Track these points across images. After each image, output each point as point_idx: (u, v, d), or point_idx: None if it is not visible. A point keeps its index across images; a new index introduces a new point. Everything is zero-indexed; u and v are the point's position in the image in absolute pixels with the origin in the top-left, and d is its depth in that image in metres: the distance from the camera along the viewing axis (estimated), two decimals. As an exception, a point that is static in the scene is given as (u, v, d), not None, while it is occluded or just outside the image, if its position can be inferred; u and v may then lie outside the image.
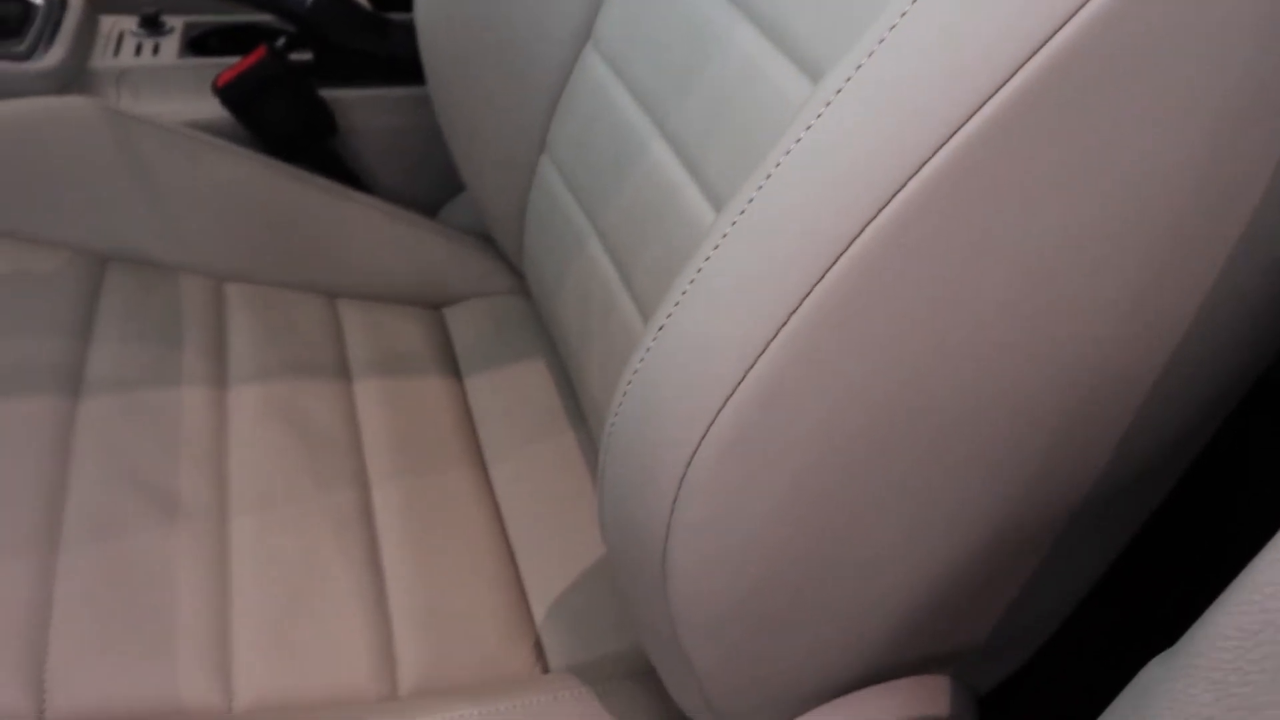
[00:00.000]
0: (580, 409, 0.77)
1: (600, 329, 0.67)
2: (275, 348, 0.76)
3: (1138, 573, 0.66)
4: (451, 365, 0.81)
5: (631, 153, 0.63)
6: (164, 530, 0.61)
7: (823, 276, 0.35)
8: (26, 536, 0.58)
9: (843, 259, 0.35)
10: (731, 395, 0.37)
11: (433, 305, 0.86)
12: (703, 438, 0.38)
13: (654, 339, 0.40)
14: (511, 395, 0.78)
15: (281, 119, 0.86)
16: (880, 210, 0.34)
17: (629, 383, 0.41)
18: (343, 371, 0.76)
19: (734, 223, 0.37)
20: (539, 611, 0.65)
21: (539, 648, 0.63)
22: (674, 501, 0.40)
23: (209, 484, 0.64)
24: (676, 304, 0.39)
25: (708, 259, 0.38)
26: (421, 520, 0.67)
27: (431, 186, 0.94)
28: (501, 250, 0.87)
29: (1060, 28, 0.32)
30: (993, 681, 0.60)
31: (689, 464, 0.39)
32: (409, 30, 0.81)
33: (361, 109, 0.90)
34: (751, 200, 0.37)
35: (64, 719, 0.52)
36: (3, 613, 0.54)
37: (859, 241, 0.35)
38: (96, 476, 0.62)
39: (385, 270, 0.85)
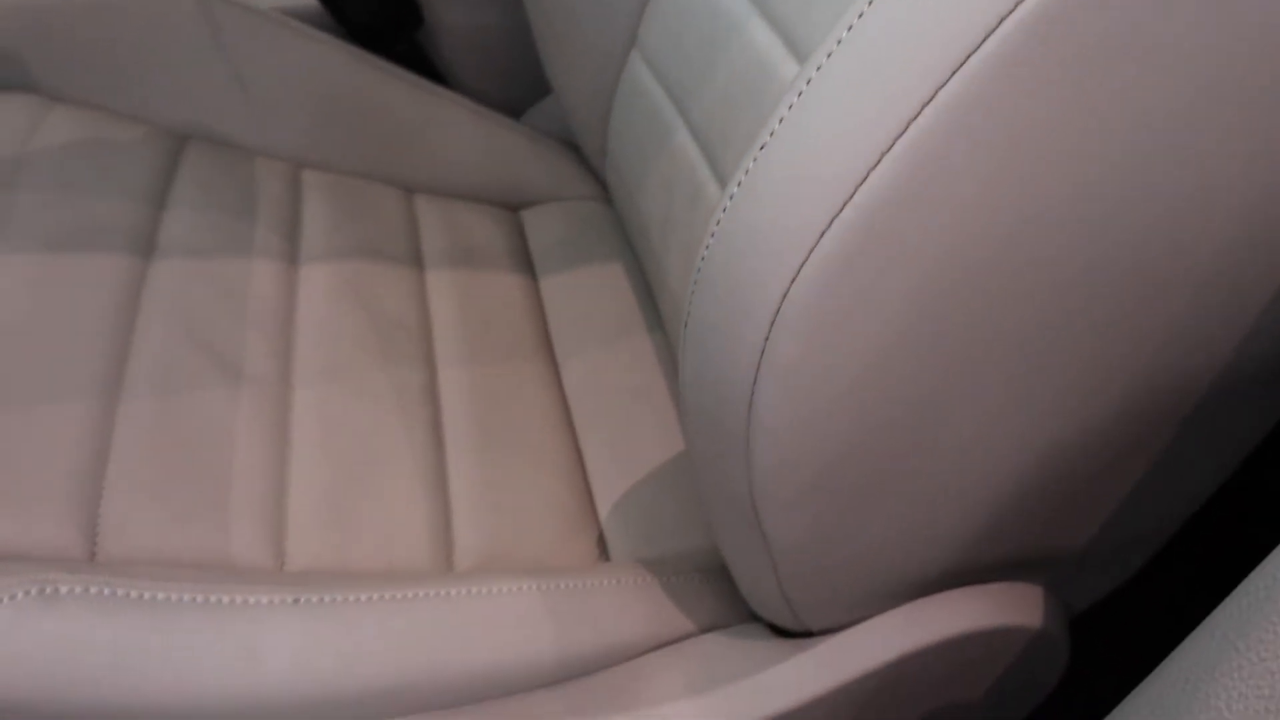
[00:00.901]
0: (658, 313, 0.74)
1: (685, 218, 0.64)
2: (348, 232, 0.74)
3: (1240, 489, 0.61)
4: (526, 265, 0.78)
5: (726, 35, 0.60)
6: (226, 392, 0.59)
7: (956, 71, 0.32)
8: (88, 382, 0.56)
9: (985, 46, 0.31)
10: (839, 212, 0.34)
11: (510, 207, 0.84)
12: (804, 262, 0.35)
13: (754, 160, 0.37)
14: (586, 297, 0.76)
15: (368, 8, 0.84)
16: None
17: (721, 214, 0.38)
18: (415, 260, 0.74)
19: (859, 18, 0.34)
20: (603, 507, 0.62)
21: (602, 542, 0.60)
22: (765, 342, 0.37)
23: (274, 353, 0.63)
24: (787, 111, 0.36)
25: (819, 69, 0.35)
26: (488, 407, 0.65)
27: (516, 89, 0.92)
28: (584, 156, 0.84)
29: None
30: (1088, 599, 0.56)
31: (785, 295, 0.36)
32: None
33: (449, 3, 0.88)
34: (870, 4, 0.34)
35: (114, 562, 0.50)
36: (60, 453, 0.53)
37: (1005, 26, 0.31)
38: (162, 334, 0.61)
39: (465, 168, 0.83)
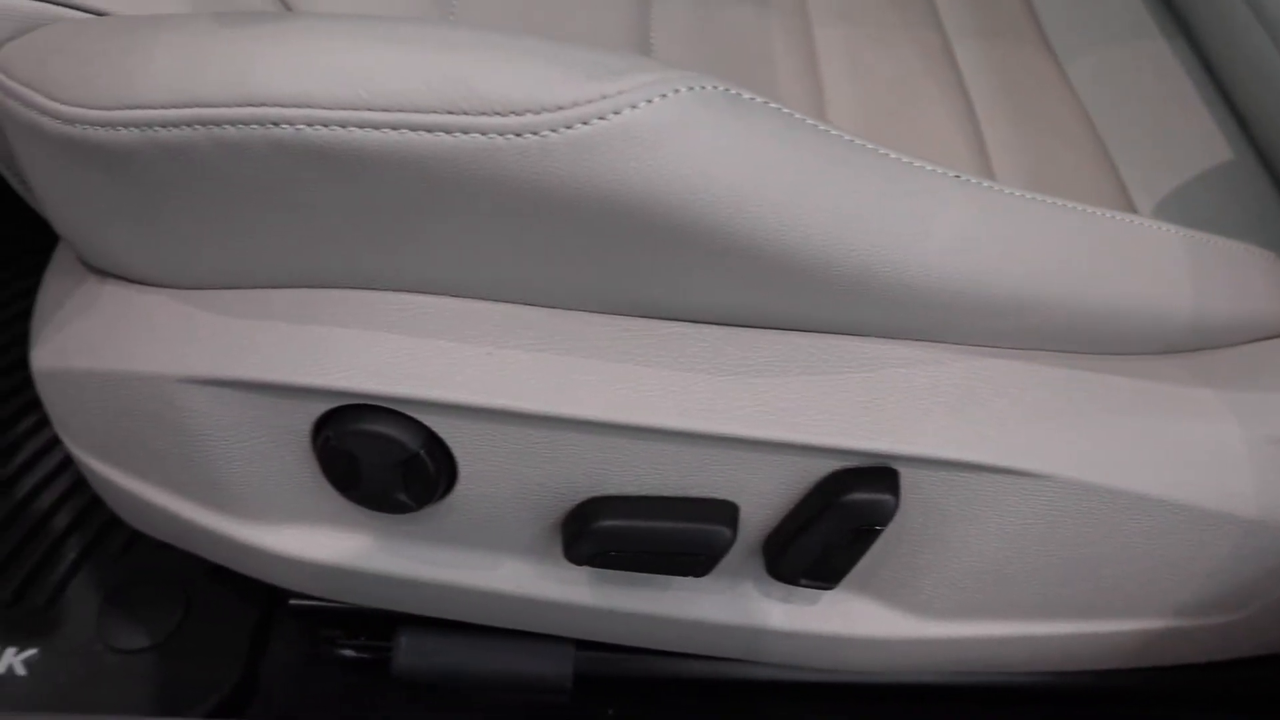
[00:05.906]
0: (1175, 20, 0.64)
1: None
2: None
3: None
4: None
5: None
6: (755, 13, 0.53)
7: None
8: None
9: None
10: None
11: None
12: None
13: None
14: (1084, 7, 0.66)
15: None
16: None
17: None
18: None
19: None
20: (1143, 204, 0.54)
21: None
22: None
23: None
24: None
25: None
26: (1008, 82, 0.57)
27: None
28: None
29: None
30: None
31: None
32: None
33: None
34: None
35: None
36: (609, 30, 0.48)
37: None
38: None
39: None
